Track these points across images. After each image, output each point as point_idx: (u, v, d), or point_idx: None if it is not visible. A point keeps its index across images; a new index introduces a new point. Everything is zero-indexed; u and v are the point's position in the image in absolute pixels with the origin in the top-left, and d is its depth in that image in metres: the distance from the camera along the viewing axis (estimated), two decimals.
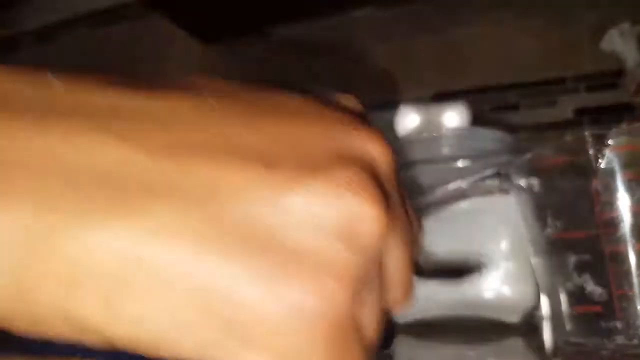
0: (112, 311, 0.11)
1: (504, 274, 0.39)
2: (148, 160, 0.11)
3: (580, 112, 0.75)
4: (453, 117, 0.47)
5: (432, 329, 0.39)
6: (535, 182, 0.31)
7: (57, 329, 0.11)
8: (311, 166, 0.12)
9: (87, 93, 0.12)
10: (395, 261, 0.14)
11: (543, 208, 0.30)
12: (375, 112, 0.71)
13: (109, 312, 0.11)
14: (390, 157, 0.14)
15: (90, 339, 0.11)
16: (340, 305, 0.12)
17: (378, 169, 0.13)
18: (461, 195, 0.40)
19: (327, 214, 0.12)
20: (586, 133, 0.28)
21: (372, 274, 0.13)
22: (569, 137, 0.29)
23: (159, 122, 0.12)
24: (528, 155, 0.31)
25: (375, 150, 0.14)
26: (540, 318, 0.43)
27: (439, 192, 0.40)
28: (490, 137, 0.43)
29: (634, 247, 0.27)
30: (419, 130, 0.47)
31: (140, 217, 0.11)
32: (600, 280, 0.28)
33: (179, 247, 0.11)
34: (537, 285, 0.39)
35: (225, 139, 0.12)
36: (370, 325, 0.13)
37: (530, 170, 0.31)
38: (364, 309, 0.13)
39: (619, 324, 0.27)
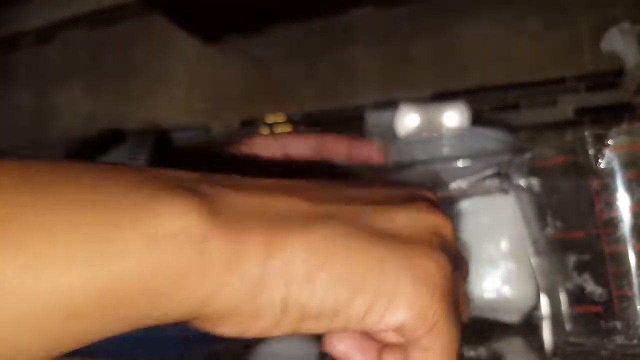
0: (310, 291, 0.18)
1: (504, 273, 0.39)
2: (314, 206, 0.19)
3: (581, 112, 0.75)
4: (453, 116, 0.47)
5: None
6: (535, 182, 0.31)
7: (269, 320, 0.18)
8: (399, 202, 0.21)
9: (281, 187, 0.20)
10: (460, 280, 0.21)
11: (543, 208, 0.30)
12: (375, 111, 0.70)
13: (308, 293, 0.18)
14: (436, 197, 0.23)
15: (289, 319, 0.18)
16: (448, 272, 0.19)
17: (434, 202, 0.22)
18: (461, 195, 0.40)
19: (420, 222, 0.20)
20: (586, 133, 0.28)
21: (456, 270, 0.20)
22: (569, 137, 0.29)
23: (313, 192, 0.20)
24: (528, 155, 0.31)
25: (427, 192, 0.23)
26: (540, 318, 0.43)
27: (439, 192, 0.40)
28: (490, 137, 0.43)
29: (633, 247, 0.27)
30: (419, 130, 0.46)
31: (319, 229, 0.18)
32: (600, 280, 0.28)
33: (347, 245, 0.18)
34: (537, 285, 0.39)
35: (353, 195, 0.21)
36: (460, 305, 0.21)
37: (531, 170, 0.31)
38: (457, 290, 0.20)
39: (618, 324, 0.27)
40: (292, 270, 0.18)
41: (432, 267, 0.19)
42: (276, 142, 0.42)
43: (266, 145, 0.41)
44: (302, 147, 0.42)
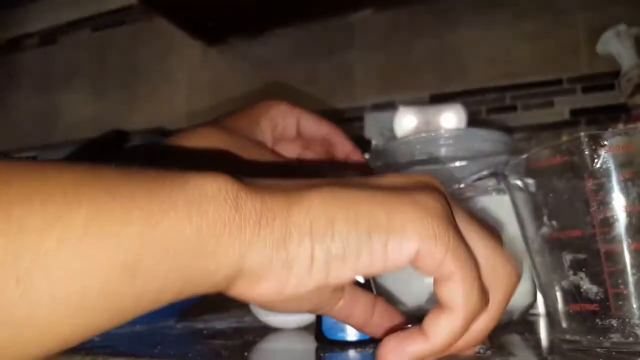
0: (331, 233, 0.20)
1: None
2: (317, 179, 0.23)
3: (577, 113, 0.75)
4: (450, 118, 0.47)
5: None
6: (531, 182, 0.31)
7: (301, 268, 0.20)
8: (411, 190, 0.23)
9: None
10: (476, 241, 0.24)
11: (539, 208, 0.31)
12: (374, 113, 0.71)
13: (330, 235, 0.20)
14: (436, 180, 0.25)
15: (318, 266, 0.20)
16: (444, 204, 0.22)
17: (435, 185, 0.24)
18: (458, 195, 0.40)
19: (410, 178, 0.24)
20: (582, 133, 0.28)
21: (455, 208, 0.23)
22: (565, 138, 0.30)
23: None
24: (525, 156, 0.31)
25: (426, 177, 0.25)
26: (537, 316, 0.44)
27: None
28: (487, 138, 0.44)
29: (629, 246, 0.27)
30: (417, 131, 0.47)
31: (327, 187, 0.21)
32: (596, 278, 0.28)
33: (353, 194, 0.21)
34: (533, 283, 0.39)
35: (376, 183, 0.23)
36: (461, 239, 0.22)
37: (527, 171, 0.31)
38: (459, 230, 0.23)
39: (614, 322, 0.27)
40: (313, 218, 0.20)
41: (430, 199, 0.22)
42: (293, 112, 0.41)
43: (283, 113, 0.40)
44: (314, 127, 0.41)
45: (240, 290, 0.20)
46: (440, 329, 0.22)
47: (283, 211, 0.20)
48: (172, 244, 0.18)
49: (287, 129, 0.41)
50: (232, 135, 0.38)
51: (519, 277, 0.25)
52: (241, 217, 0.19)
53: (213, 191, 0.19)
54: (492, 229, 0.25)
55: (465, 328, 0.22)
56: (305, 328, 0.42)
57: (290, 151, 0.41)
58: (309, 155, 0.42)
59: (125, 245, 0.18)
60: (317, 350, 0.33)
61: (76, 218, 0.17)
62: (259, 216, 0.20)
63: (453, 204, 0.23)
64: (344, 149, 0.41)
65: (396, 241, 0.21)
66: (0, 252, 0.16)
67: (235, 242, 0.19)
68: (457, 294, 0.21)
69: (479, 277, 0.22)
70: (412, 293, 0.40)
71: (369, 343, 0.34)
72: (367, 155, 0.44)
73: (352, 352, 0.32)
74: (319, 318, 0.35)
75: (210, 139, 0.37)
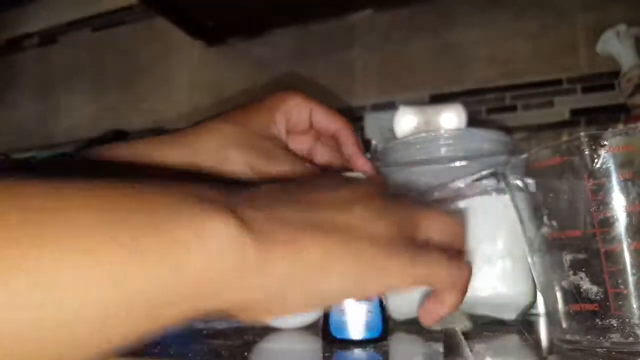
0: (328, 282, 0.22)
1: (501, 272, 0.39)
2: (312, 213, 0.24)
3: (577, 112, 0.75)
4: (450, 118, 0.47)
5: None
6: (531, 182, 0.31)
7: (296, 306, 0.23)
8: (358, 197, 0.26)
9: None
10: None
11: (539, 207, 0.31)
12: (373, 113, 0.71)
13: (327, 283, 0.23)
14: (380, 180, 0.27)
15: (313, 303, 0.24)
16: (393, 225, 0.25)
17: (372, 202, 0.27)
18: (459, 195, 0.40)
19: (372, 212, 0.25)
20: (582, 134, 0.28)
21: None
22: (565, 138, 0.30)
23: (305, 197, 0.25)
24: (524, 156, 0.31)
25: (365, 189, 0.27)
26: (537, 316, 0.44)
27: (437, 192, 0.40)
28: (487, 138, 0.43)
29: (629, 246, 0.28)
30: (417, 131, 0.47)
31: (323, 234, 0.23)
32: (596, 278, 0.28)
33: (347, 243, 0.23)
34: (533, 283, 0.39)
35: (332, 199, 0.26)
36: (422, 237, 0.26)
37: (527, 170, 0.31)
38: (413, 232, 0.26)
39: (614, 322, 0.27)
40: (311, 267, 0.22)
41: (392, 235, 0.24)
42: (307, 105, 0.40)
43: (297, 105, 0.39)
44: (326, 121, 0.40)
45: (241, 318, 0.22)
46: (451, 300, 0.26)
47: (284, 262, 0.21)
48: (182, 288, 0.19)
49: (300, 121, 0.40)
50: (244, 131, 0.37)
51: (459, 223, 0.29)
52: (246, 268, 0.20)
53: (219, 237, 0.20)
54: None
55: (462, 290, 0.26)
56: (306, 328, 0.42)
57: (302, 143, 0.41)
58: (320, 148, 0.41)
59: (144, 288, 0.18)
60: (323, 349, 0.33)
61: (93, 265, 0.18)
62: (261, 266, 0.21)
63: (392, 208, 0.26)
64: (348, 150, 0.40)
65: (380, 281, 0.24)
66: (32, 282, 0.17)
67: (238, 287, 0.21)
68: (445, 288, 0.26)
69: (446, 259, 0.25)
70: (405, 304, 0.40)
71: (376, 341, 0.34)
72: (367, 155, 0.44)
73: (358, 351, 0.32)
74: (325, 318, 0.35)
75: (220, 134, 0.36)
